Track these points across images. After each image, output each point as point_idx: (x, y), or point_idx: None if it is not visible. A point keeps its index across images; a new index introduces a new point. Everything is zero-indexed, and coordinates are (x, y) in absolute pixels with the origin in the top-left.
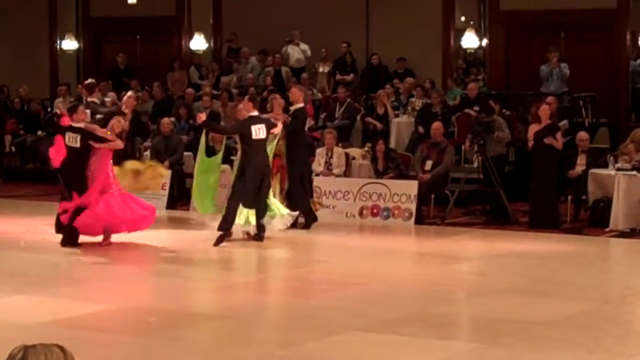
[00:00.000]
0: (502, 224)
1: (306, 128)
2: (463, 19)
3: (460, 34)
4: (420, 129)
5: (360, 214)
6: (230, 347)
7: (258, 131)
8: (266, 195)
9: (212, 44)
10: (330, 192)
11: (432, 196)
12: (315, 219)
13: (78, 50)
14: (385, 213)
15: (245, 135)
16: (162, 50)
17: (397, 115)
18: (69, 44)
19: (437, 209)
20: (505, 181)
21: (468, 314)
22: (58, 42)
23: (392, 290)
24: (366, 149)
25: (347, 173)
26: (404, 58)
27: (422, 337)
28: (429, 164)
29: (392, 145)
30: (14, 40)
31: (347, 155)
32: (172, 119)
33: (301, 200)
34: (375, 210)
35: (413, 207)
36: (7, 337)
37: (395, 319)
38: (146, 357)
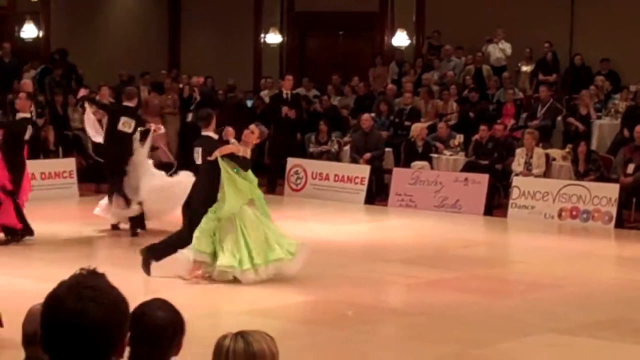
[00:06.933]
0: None
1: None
2: None
3: None
4: (626, 132)
5: (559, 215)
6: (424, 344)
7: (197, 155)
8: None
9: (414, 41)
10: (529, 192)
11: (634, 200)
12: None
13: (281, 44)
14: (584, 215)
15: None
16: (364, 45)
17: (599, 117)
18: (273, 38)
19: (638, 213)
20: None
21: None
22: (262, 35)
23: (590, 294)
24: (567, 150)
25: (546, 174)
26: (608, 59)
27: (619, 342)
28: (631, 167)
29: (594, 147)
30: (219, 33)
31: (547, 155)
32: (372, 114)
33: None
34: (574, 213)
35: (614, 210)
36: (208, 324)
37: (592, 322)
38: (339, 349)
